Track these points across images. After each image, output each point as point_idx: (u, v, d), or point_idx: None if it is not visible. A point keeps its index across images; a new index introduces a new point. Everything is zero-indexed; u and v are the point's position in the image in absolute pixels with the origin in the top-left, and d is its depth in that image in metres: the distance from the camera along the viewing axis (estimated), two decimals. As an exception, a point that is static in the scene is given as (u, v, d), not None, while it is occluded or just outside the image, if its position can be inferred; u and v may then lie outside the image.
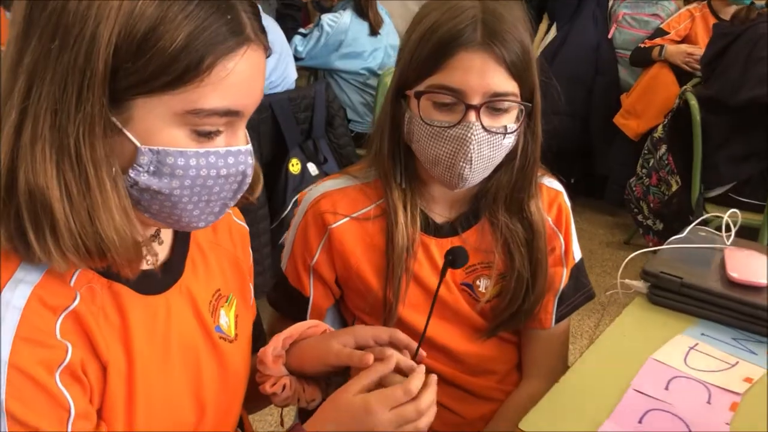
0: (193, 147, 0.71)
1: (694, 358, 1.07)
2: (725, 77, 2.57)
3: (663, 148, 2.81)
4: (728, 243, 1.30)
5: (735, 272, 1.18)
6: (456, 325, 1.18)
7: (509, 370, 1.23)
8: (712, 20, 3.38)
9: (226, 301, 0.92)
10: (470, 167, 1.03)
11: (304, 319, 1.19)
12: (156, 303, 0.80)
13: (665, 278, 1.20)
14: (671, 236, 2.82)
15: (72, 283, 0.72)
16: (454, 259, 1.00)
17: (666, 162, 2.79)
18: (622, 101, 3.51)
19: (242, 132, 0.76)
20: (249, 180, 0.77)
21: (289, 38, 2.93)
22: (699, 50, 3.27)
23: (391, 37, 3.19)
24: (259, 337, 1.10)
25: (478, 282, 1.17)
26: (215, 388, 0.87)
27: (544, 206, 1.17)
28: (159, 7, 0.67)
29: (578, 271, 1.22)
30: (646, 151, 2.93)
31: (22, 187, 0.66)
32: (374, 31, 3.05)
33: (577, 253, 1.22)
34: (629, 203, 3.02)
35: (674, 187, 2.76)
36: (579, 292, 1.23)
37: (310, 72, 3.47)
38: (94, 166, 0.67)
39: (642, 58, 3.47)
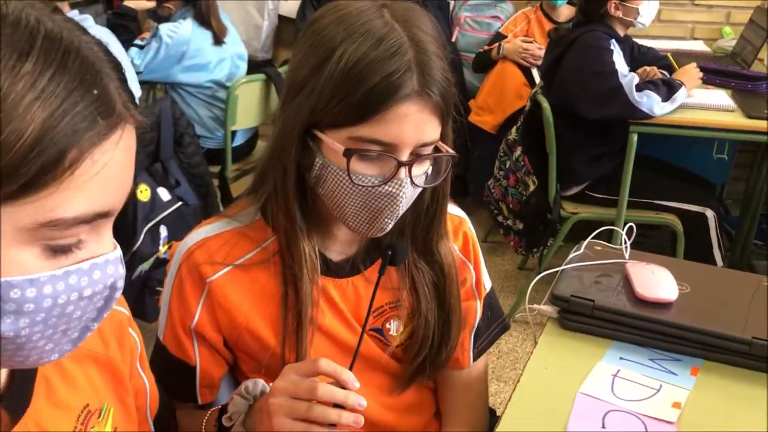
0: (48, 270, 0.53)
1: (621, 387, 1.04)
2: (564, 88, 2.62)
3: (518, 150, 2.86)
4: (627, 257, 1.29)
5: (642, 290, 1.17)
6: (370, 377, 1.07)
7: (429, 420, 1.14)
8: (546, 22, 3.50)
9: (99, 416, 0.73)
10: (394, 221, 0.94)
11: (194, 394, 1.03)
12: None
13: (577, 302, 1.16)
14: (532, 235, 2.91)
15: None
16: (394, 254, 0.92)
17: (522, 163, 2.84)
18: (471, 106, 3.56)
19: (109, 233, 0.58)
20: (119, 293, 0.59)
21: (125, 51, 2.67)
22: (532, 44, 3.38)
23: (237, 47, 2.99)
24: (169, 429, 0.93)
25: (387, 325, 1.07)
26: None
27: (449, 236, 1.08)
28: None
29: (491, 301, 1.16)
30: (502, 154, 2.97)
31: None
32: (218, 41, 2.85)
33: (487, 282, 1.15)
34: (489, 205, 3.06)
35: (531, 187, 2.82)
36: (494, 324, 1.16)
37: (149, 86, 3.19)
38: None
39: (484, 63, 3.54)
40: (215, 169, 2.88)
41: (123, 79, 0.57)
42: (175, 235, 2.33)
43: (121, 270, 0.59)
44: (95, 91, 0.52)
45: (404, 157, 0.88)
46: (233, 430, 0.88)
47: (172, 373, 1.02)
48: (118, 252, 0.59)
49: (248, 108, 2.92)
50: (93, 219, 0.54)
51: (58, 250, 0.53)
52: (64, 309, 0.55)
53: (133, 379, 0.83)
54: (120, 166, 0.55)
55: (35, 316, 0.53)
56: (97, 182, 0.53)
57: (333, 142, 0.88)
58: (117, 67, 0.56)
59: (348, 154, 0.87)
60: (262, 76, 2.94)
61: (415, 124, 0.87)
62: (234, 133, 2.96)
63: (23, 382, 0.66)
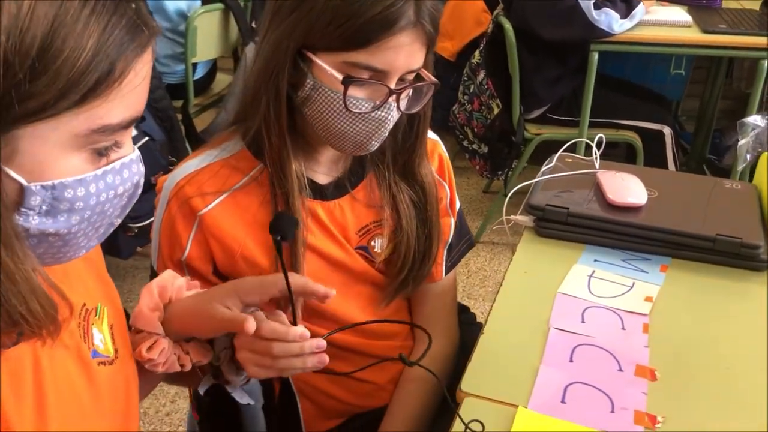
0: (91, 170, 0.59)
1: (597, 286, 1.11)
2: (521, 10, 2.59)
3: (482, 74, 2.88)
4: (597, 166, 1.34)
5: (613, 196, 1.23)
6: (360, 290, 1.12)
7: (408, 331, 1.20)
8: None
9: (96, 314, 0.76)
10: (380, 143, 0.98)
11: None
12: (19, 354, 0.63)
13: (552, 210, 1.21)
14: (496, 158, 2.96)
15: None
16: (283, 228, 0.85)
17: (486, 87, 2.86)
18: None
19: (131, 136, 0.63)
20: (140, 191, 0.64)
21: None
22: None
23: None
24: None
25: (372, 243, 1.11)
26: (106, 426, 0.74)
27: None
28: (53, 4, 0.50)
29: (461, 220, 1.21)
30: (465, 78, 2.99)
31: None
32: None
33: (457, 202, 1.20)
34: (454, 130, 3.09)
35: (495, 111, 2.85)
36: (462, 240, 1.22)
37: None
38: None
39: None
40: (177, 104, 2.83)
41: None
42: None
43: (142, 168, 0.64)
44: (134, 5, 0.56)
45: (392, 83, 0.92)
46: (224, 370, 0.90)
47: None
48: (138, 152, 0.64)
49: (207, 39, 2.86)
50: (130, 124, 0.59)
51: (101, 153, 0.59)
52: (104, 206, 0.60)
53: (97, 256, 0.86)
54: (149, 76, 0.60)
55: (83, 214, 0.59)
56: (136, 91, 0.58)
57: (327, 67, 0.91)
58: None
59: (346, 82, 0.90)
60: (219, 5, 2.87)
61: (407, 53, 0.91)
62: (194, 66, 2.90)
63: None
